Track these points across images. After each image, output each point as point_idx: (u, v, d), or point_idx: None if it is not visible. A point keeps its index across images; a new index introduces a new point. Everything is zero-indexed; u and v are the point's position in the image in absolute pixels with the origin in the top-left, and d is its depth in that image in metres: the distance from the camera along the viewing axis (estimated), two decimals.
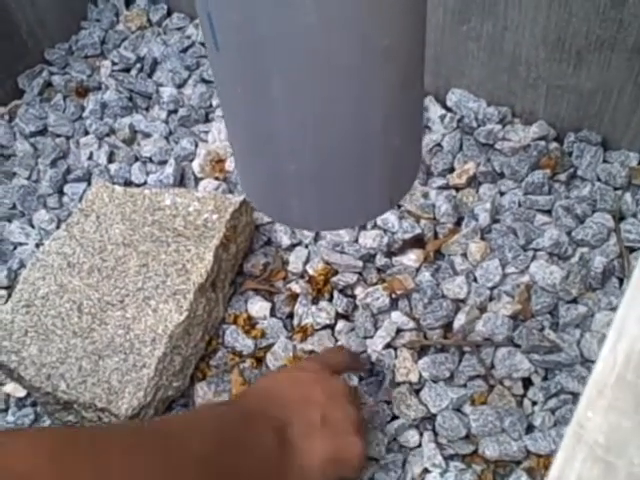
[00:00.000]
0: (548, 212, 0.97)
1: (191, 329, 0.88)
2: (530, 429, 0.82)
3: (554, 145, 1.02)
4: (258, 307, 0.95)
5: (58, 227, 1.05)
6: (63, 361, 0.84)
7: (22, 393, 0.92)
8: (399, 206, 1.00)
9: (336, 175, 0.48)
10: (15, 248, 1.05)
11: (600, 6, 0.87)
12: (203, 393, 0.89)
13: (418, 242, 0.98)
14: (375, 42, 0.41)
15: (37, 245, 1.04)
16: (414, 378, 0.86)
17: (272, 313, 0.95)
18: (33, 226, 1.06)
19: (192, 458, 0.62)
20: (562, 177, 0.99)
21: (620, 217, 0.95)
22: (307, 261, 0.97)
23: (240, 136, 0.51)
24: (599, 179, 0.99)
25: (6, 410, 0.91)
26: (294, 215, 0.53)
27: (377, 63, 0.43)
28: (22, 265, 1.02)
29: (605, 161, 1.00)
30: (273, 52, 0.42)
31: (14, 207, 1.08)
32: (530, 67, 0.99)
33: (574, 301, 0.89)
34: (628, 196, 0.96)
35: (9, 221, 1.07)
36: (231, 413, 0.73)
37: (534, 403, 0.84)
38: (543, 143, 1.02)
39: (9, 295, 1.00)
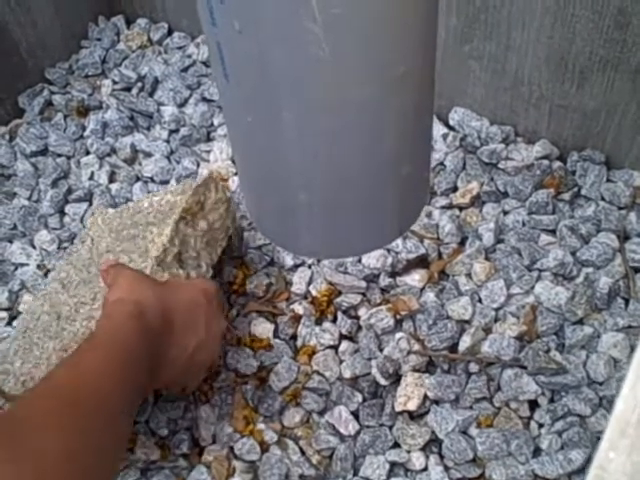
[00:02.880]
0: (552, 232, 0.97)
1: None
2: (537, 452, 0.81)
3: (557, 164, 1.02)
4: (261, 329, 0.94)
5: (59, 248, 1.05)
6: (37, 365, 0.84)
7: None
8: None
9: (347, 205, 0.48)
10: (16, 269, 1.04)
11: (604, 27, 0.87)
12: (206, 416, 0.88)
13: (422, 262, 0.97)
14: (390, 71, 0.41)
15: (38, 266, 1.03)
16: (412, 406, 0.85)
17: (275, 335, 0.94)
18: (34, 246, 1.05)
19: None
20: (566, 196, 0.99)
21: (625, 237, 0.94)
22: (310, 282, 0.97)
23: (249, 165, 0.50)
24: (603, 198, 0.98)
25: None
26: (302, 244, 0.53)
27: (391, 93, 0.42)
28: (23, 286, 1.01)
29: (609, 180, 1.00)
30: (284, 84, 0.42)
31: (15, 227, 1.07)
32: (533, 87, 0.99)
33: (580, 322, 0.89)
34: (633, 215, 0.95)
35: (10, 242, 1.06)
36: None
37: (541, 425, 0.83)
38: (546, 162, 1.02)
39: (10, 317, 0.99)
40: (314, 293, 0.96)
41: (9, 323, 0.99)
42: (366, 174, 0.46)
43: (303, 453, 0.85)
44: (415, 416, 0.86)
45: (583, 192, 1.00)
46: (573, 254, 0.93)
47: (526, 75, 0.98)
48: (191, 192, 0.91)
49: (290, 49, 0.39)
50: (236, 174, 1.09)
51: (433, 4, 0.44)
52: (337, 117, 0.43)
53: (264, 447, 0.85)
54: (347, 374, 0.89)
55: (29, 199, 1.10)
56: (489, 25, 0.96)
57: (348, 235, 0.51)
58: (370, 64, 0.41)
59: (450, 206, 1.01)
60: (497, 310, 0.91)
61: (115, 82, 1.22)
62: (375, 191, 0.48)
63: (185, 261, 0.91)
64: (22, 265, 1.04)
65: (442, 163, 1.06)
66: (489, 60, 0.99)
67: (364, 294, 0.95)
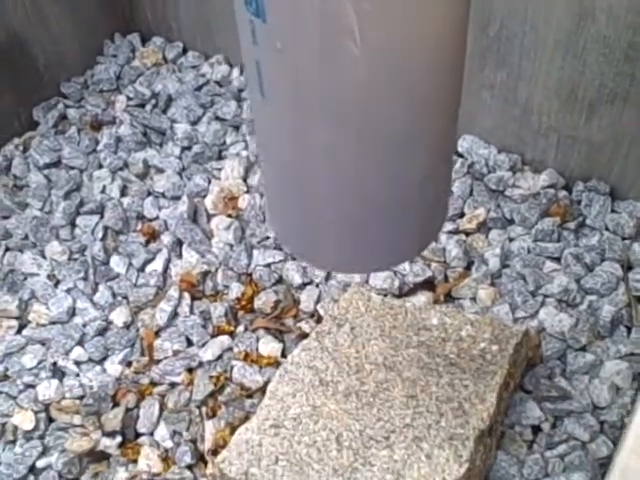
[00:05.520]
0: (557, 259, 0.98)
1: None
2: (540, 475, 0.82)
3: (563, 193, 1.04)
4: (270, 348, 0.95)
5: (70, 259, 1.06)
6: None
7: (30, 426, 0.91)
8: None
9: (372, 222, 0.49)
10: (26, 279, 1.05)
11: (614, 60, 0.90)
12: (215, 430, 0.89)
13: (428, 285, 0.99)
14: (420, 94, 0.43)
15: (48, 276, 1.04)
16: None
17: (283, 354, 0.95)
18: (45, 257, 1.06)
19: None
20: (571, 225, 1.01)
21: (628, 267, 0.96)
22: (318, 300, 0.98)
23: (277, 180, 0.52)
24: (607, 228, 1.00)
25: (14, 442, 0.91)
26: (326, 258, 0.54)
27: (420, 115, 0.44)
28: (33, 296, 1.02)
29: (613, 211, 1.02)
30: (319, 101, 0.43)
31: (26, 238, 1.09)
32: (542, 117, 1.01)
33: (583, 349, 0.90)
34: (636, 246, 0.97)
35: (21, 251, 1.07)
36: None
37: (544, 449, 0.84)
38: (552, 191, 1.04)
39: (20, 326, 1.00)
40: (322, 312, 0.97)
41: (19, 331, 1.00)
42: (392, 194, 0.48)
43: None
44: None
45: (588, 222, 1.01)
46: (577, 282, 0.95)
47: (536, 105, 1.00)
48: (512, 350, 0.82)
49: (329, 68, 0.41)
50: (247, 192, 1.10)
51: (462, 35, 0.46)
52: (368, 134, 0.45)
53: None
54: None
55: (41, 210, 1.12)
56: (501, 55, 0.98)
57: (371, 251, 0.53)
58: (402, 87, 0.43)
59: (457, 231, 1.03)
60: None
61: (129, 98, 1.24)
62: (399, 211, 0.49)
63: (493, 427, 0.81)
64: (32, 275, 1.05)
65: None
66: (500, 89, 1.02)
67: None
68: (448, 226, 1.04)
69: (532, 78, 0.98)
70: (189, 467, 0.87)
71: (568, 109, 0.98)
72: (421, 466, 0.76)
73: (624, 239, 0.99)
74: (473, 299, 0.96)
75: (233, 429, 0.87)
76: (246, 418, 0.88)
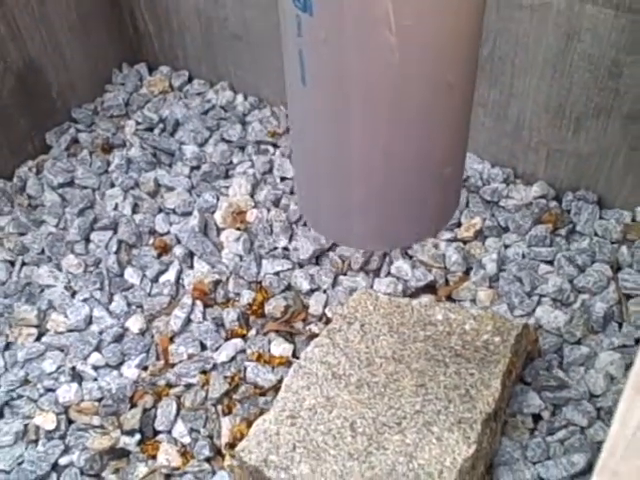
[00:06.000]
0: (550, 262, 1.04)
1: (476, 462, 0.80)
2: (542, 457, 0.87)
3: (554, 203, 1.11)
4: (281, 349, 1.00)
5: (85, 271, 1.10)
6: None
7: (52, 426, 0.95)
8: (411, 257, 1.07)
9: (397, 200, 0.55)
10: (43, 290, 1.09)
11: (599, 76, 0.97)
12: (232, 426, 0.93)
13: (430, 289, 1.04)
14: (443, 78, 0.49)
15: (66, 287, 1.09)
16: None
17: (294, 355, 0.99)
18: (61, 270, 1.11)
19: None
20: (562, 232, 1.07)
21: (617, 267, 1.02)
22: (326, 305, 1.03)
23: (311, 165, 0.57)
24: (596, 234, 1.07)
25: (36, 441, 0.94)
26: (354, 236, 0.60)
27: (442, 97, 0.50)
28: (51, 306, 1.07)
29: (601, 218, 1.09)
30: (357, 86, 0.49)
31: (42, 252, 1.13)
32: (532, 132, 1.08)
33: (578, 342, 0.96)
34: (624, 249, 1.04)
35: (37, 265, 1.12)
36: None
37: (545, 434, 0.89)
38: (544, 201, 1.10)
39: (39, 334, 1.04)
40: (329, 315, 1.02)
41: (38, 339, 1.04)
42: (417, 171, 0.54)
43: None
44: None
45: (578, 228, 1.08)
46: (570, 282, 1.01)
47: (527, 121, 1.07)
48: (513, 341, 0.88)
49: (367, 55, 0.47)
50: (254, 207, 1.16)
51: (479, 23, 0.52)
52: (398, 115, 0.51)
53: None
54: None
55: (56, 226, 1.16)
56: (494, 74, 1.05)
57: (395, 228, 0.59)
58: (429, 70, 0.49)
59: (455, 239, 1.09)
60: None
61: (138, 123, 1.30)
62: (422, 188, 0.55)
63: (498, 413, 0.86)
64: (49, 286, 1.09)
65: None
66: (493, 107, 1.09)
67: None
68: (447, 235, 1.09)
69: (523, 95, 1.05)
70: (207, 460, 0.91)
71: (557, 124, 1.05)
72: (432, 448, 0.80)
73: (612, 243, 1.05)
74: (473, 300, 1.02)
75: (249, 424, 0.91)
76: (261, 414, 0.92)
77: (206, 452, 0.91)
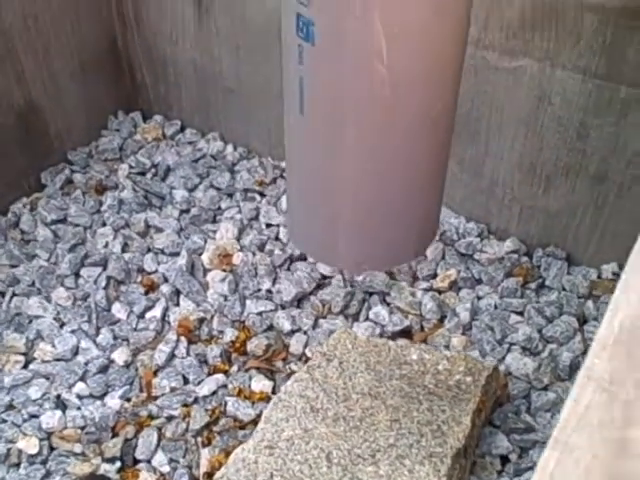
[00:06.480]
0: (521, 313, 1.10)
1: None
2: None
3: (525, 258, 1.17)
4: (261, 385, 1.03)
5: (74, 304, 1.14)
6: None
7: (34, 450, 0.97)
8: (389, 304, 1.12)
9: (381, 221, 0.61)
10: (31, 321, 1.13)
11: (567, 138, 1.05)
12: (210, 456, 0.96)
13: (406, 334, 1.09)
14: (430, 110, 0.55)
15: (54, 319, 1.12)
16: None
17: (274, 391, 1.03)
18: (50, 302, 1.14)
19: None
20: (532, 285, 1.13)
21: (584, 320, 1.08)
22: (306, 345, 1.08)
23: (304, 190, 0.63)
24: (564, 288, 1.13)
25: (18, 465, 0.97)
26: (340, 256, 0.65)
27: (429, 127, 0.56)
28: (39, 335, 1.10)
29: (569, 273, 1.15)
30: (350, 114, 0.55)
31: (33, 284, 1.17)
32: (506, 189, 1.15)
33: (545, 389, 1.01)
34: (590, 303, 1.10)
35: (27, 297, 1.15)
36: None
37: (512, 476, 0.93)
38: (515, 256, 1.17)
39: (26, 362, 1.07)
40: (309, 355, 1.06)
41: (25, 367, 1.07)
42: (400, 196, 0.60)
43: None
44: None
45: (547, 282, 1.14)
46: (539, 331, 1.06)
47: (500, 178, 1.14)
48: (484, 382, 0.92)
49: (362, 86, 0.53)
50: (240, 250, 1.21)
51: (459, 65, 0.59)
52: (387, 142, 0.57)
53: None
54: None
55: (48, 260, 1.20)
56: (471, 133, 1.12)
57: (378, 249, 0.64)
58: (417, 102, 0.55)
59: (431, 289, 1.15)
60: None
61: (131, 167, 1.36)
62: (405, 211, 0.61)
63: (467, 450, 0.89)
64: (38, 317, 1.13)
65: (424, 255, 1.20)
66: (470, 164, 1.16)
67: None
68: (423, 284, 1.15)
69: (497, 154, 1.12)
70: None
71: (528, 182, 1.12)
72: (404, 479, 0.84)
73: (579, 297, 1.11)
74: (447, 346, 1.07)
75: (227, 454, 0.94)
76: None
77: None
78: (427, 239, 0.68)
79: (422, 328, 1.10)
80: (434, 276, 1.17)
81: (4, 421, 1.01)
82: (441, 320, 1.11)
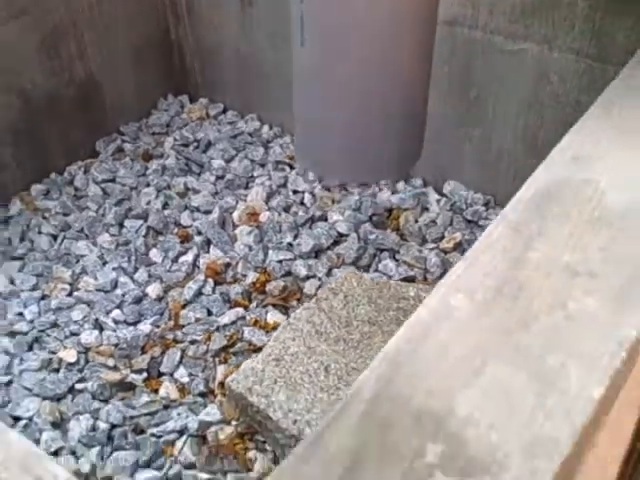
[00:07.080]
0: None
1: None
2: None
3: None
4: (276, 318, 1.15)
5: (116, 248, 1.28)
6: (309, 410, 0.93)
7: (72, 359, 1.10)
8: (397, 260, 1.23)
9: (370, 137, 0.73)
10: (78, 261, 1.27)
11: (564, 113, 1.16)
12: (227, 373, 1.07)
13: (409, 281, 1.20)
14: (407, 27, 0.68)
15: (98, 257, 1.26)
16: None
17: None
18: (96, 245, 1.29)
19: None
20: None
21: None
22: (319, 288, 1.19)
23: (305, 109, 0.76)
24: None
25: (57, 370, 1.10)
26: (335, 172, 0.77)
27: (402, 30, 0.69)
28: (84, 270, 1.24)
29: None
30: (337, 39, 0.68)
31: (82, 230, 1.31)
32: (511, 162, 1.26)
33: None
34: None
35: (76, 240, 1.30)
36: None
37: None
38: None
39: (71, 290, 1.21)
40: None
41: (69, 294, 1.21)
42: (387, 108, 0.72)
43: None
44: None
45: None
46: None
47: (505, 152, 1.26)
48: None
49: (344, 18, 0.66)
50: (267, 210, 1.34)
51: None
52: (367, 56, 0.69)
53: None
54: None
55: (96, 212, 1.35)
56: (479, 115, 1.24)
57: (365, 163, 0.76)
58: (392, 26, 0.68)
59: (437, 248, 1.26)
60: None
61: (176, 140, 1.51)
62: (390, 128, 0.73)
63: None
64: (84, 256, 1.27)
65: (434, 221, 1.31)
66: (477, 141, 1.27)
67: None
68: (430, 245, 1.26)
69: (502, 131, 1.24)
70: (201, 395, 1.05)
71: (530, 154, 1.23)
72: None
73: None
74: None
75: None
76: None
77: (201, 388, 1.06)
78: (410, 159, 0.80)
79: (425, 279, 1.21)
80: (441, 239, 1.28)
81: (48, 335, 1.14)
82: (444, 274, 1.21)
